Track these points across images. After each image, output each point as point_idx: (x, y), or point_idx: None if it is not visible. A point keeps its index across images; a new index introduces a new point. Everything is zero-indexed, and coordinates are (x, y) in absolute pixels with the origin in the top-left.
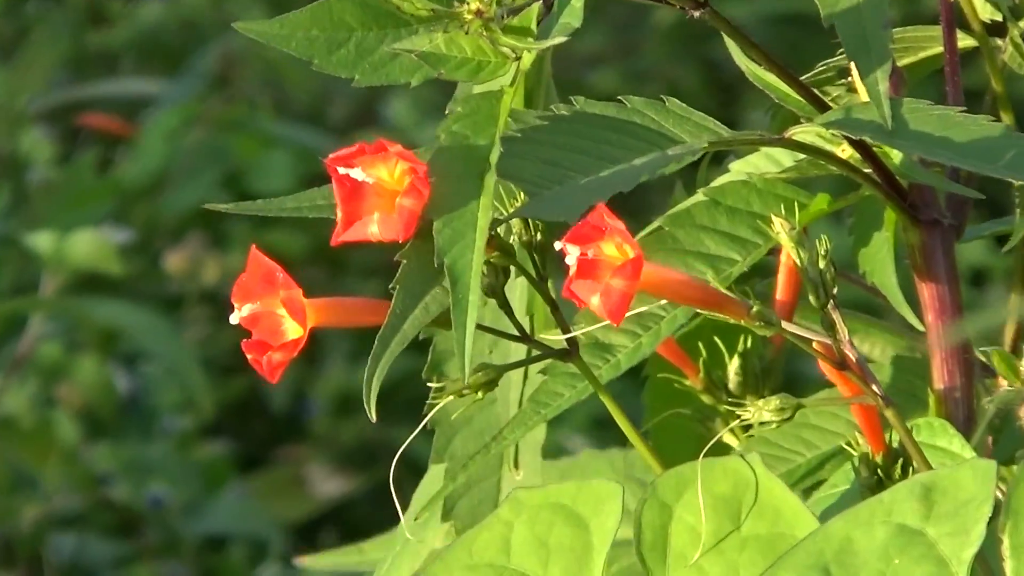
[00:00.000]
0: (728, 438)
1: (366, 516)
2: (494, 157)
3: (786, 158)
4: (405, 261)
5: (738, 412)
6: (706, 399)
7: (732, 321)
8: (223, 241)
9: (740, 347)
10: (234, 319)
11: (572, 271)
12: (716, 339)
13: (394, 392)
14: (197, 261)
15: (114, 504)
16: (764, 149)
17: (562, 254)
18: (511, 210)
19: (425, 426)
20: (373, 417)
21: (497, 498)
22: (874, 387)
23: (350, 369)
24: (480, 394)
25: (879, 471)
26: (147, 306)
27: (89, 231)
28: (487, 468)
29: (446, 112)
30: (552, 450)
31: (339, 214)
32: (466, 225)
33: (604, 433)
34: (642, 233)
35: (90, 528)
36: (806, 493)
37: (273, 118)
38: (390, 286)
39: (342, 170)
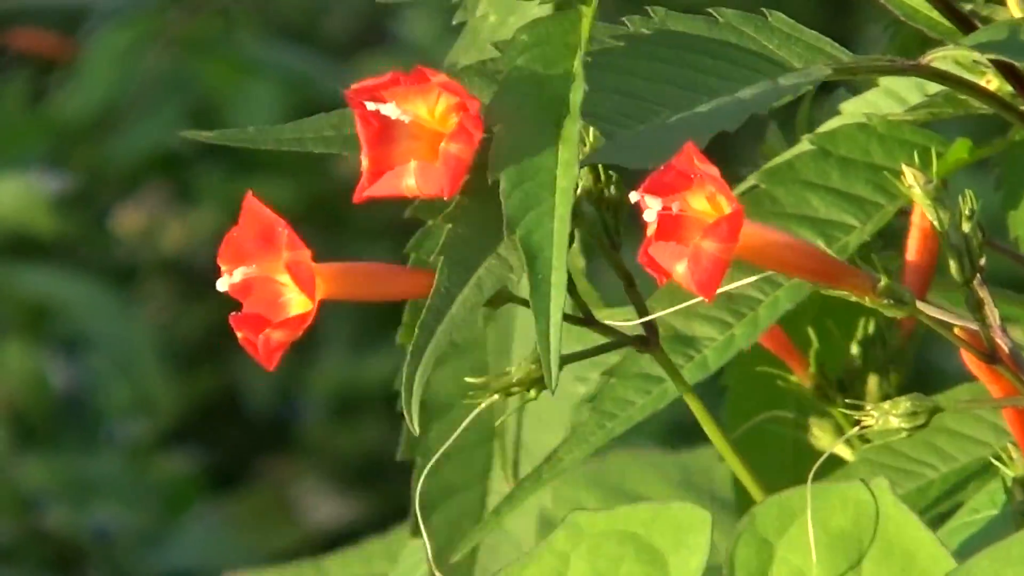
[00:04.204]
0: (838, 447)
1: None
2: (576, 97)
3: (912, 94)
4: (451, 225)
5: (857, 416)
6: (816, 399)
7: (851, 299)
8: (189, 194)
9: (860, 332)
10: (222, 285)
11: (652, 230)
12: (828, 322)
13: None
14: (155, 220)
15: (48, 534)
16: (884, 83)
17: (639, 208)
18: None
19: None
20: (415, 429)
21: (480, 512)
22: None
23: (352, 359)
24: (533, 393)
25: None
26: (90, 276)
27: (15, 178)
28: (470, 473)
29: (511, 40)
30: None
31: (364, 162)
32: (541, 187)
33: (682, 443)
34: None
35: (17, 564)
36: (939, 521)
37: (254, 36)
38: (432, 257)
39: (370, 105)
